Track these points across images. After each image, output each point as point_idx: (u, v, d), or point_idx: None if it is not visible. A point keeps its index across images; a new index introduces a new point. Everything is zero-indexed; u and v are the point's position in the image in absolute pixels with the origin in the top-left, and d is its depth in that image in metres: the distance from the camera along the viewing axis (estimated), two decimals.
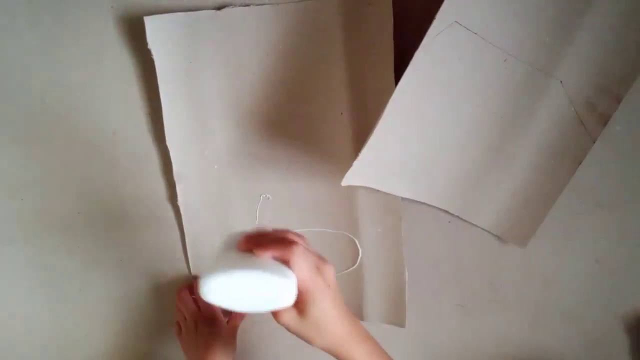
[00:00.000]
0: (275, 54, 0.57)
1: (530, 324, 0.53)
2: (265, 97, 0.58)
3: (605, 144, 0.57)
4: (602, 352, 0.63)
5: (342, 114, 0.58)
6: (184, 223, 0.62)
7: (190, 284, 0.63)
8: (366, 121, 0.58)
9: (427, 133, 0.54)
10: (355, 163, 0.52)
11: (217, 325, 0.59)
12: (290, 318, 0.39)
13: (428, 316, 0.64)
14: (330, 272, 0.41)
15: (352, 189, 0.60)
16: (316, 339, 0.40)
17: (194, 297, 0.62)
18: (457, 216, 0.60)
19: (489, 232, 0.60)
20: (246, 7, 0.56)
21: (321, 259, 0.41)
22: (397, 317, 0.63)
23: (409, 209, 0.61)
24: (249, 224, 0.62)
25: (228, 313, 0.62)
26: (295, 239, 0.41)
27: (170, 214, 0.62)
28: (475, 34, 0.50)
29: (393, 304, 0.63)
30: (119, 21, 0.57)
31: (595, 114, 0.54)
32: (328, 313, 0.40)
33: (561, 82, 0.53)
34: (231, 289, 0.37)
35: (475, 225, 0.61)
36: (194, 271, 0.63)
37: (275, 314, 0.39)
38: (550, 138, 0.55)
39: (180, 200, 0.61)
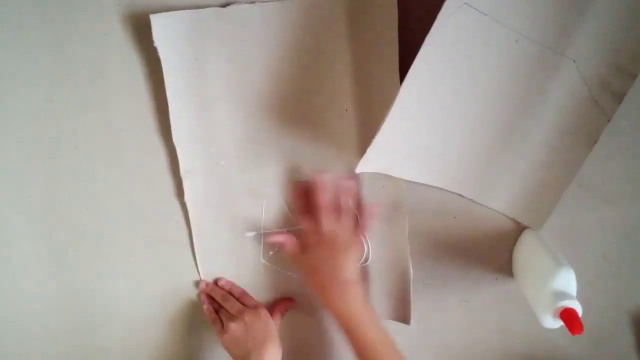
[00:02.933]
0: (281, 50, 0.57)
1: (535, 320, 0.53)
2: (271, 93, 0.58)
3: (612, 139, 0.57)
4: (608, 347, 0.64)
5: (346, 110, 0.58)
6: (190, 219, 0.62)
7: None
8: (370, 118, 0.58)
9: (439, 117, 0.54)
10: (369, 150, 0.52)
11: (266, 320, 0.59)
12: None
13: (433, 312, 0.65)
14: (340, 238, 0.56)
15: (358, 186, 0.60)
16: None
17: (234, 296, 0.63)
18: (472, 200, 0.60)
19: (504, 215, 0.60)
20: (251, 4, 0.56)
21: None
22: (402, 314, 0.63)
23: (414, 205, 0.61)
24: (255, 220, 0.62)
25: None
26: None
27: (178, 210, 0.62)
28: (486, 15, 0.50)
29: (398, 301, 0.63)
30: (125, 19, 0.57)
31: (609, 93, 0.54)
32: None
33: (574, 61, 0.52)
34: None
35: (480, 220, 0.61)
36: (201, 268, 0.64)
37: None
38: (564, 118, 0.55)
39: (187, 197, 0.61)
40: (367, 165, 0.54)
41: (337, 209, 0.58)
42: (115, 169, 0.61)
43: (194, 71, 0.58)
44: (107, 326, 0.66)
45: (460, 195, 0.59)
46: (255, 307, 0.60)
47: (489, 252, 0.63)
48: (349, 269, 0.56)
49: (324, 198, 0.57)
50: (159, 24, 0.56)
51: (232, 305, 0.61)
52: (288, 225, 0.62)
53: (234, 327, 0.58)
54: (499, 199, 0.60)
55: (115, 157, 0.61)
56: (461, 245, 0.63)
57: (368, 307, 0.55)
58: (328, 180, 0.58)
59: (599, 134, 0.56)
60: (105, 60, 0.58)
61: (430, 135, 0.55)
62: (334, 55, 0.56)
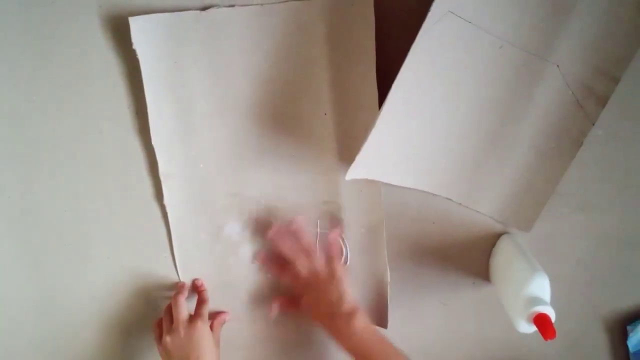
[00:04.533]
0: (260, 54, 0.57)
1: (512, 324, 0.54)
2: (250, 96, 0.58)
3: (587, 147, 0.57)
4: (582, 353, 0.64)
5: (325, 114, 0.59)
6: (170, 222, 0.62)
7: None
8: (349, 121, 0.58)
9: (426, 123, 0.55)
10: (358, 157, 0.52)
11: (201, 334, 0.58)
12: None
13: (411, 315, 0.65)
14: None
15: (336, 190, 0.60)
16: None
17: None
18: (461, 204, 0.60)
19: (492, 218, 0.61)
20: (231, 8, 0.56)
21: None
22: (379, 318, 0.64)
23: (394, 210, 0.61)
24: (235, 224, 0.62)
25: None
26: None
27: (157, 212, 0.62)
28: (470, 22, 0.50)
29: (376, 305, 0.63)
30: (106, 20, 0.57)
31: (593, 96, 0.55)
32: None
33: (557, 66, 0.53)
34: None
35: (458, 226, 0.62)
36: (181, 270, 0.64)
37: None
38: (550, 122, 0.56)
39: (167, 200, 0.61)
40: (356, 172, 0.54)
41: (304, 250, 0.60)
42: (96, 170, 0.61)
43: (173, 74, 0.58)
44: (86, 329, 0.65)
45: (449, 199, 0.60)
46: (195, 319, 0.59)
47: (467, 257, 0.63)
48: (343, 298, 0.57)
49: (286, 248, 0.60)
50: (137, 26, 0.56)
51: (175, 315, 0.59)
52: (267, 225, 0.62)
53: (167, 340, 0.57)
54: (487, 203, 0.60)
55: (96, 158, 0.61)
56: (439, 251, 0.63)
57: (373, 329, 0.57)
58: (281, 230, 0.61)
59: (583, 138, 0.56)
60: (86, 61, 0.58)
61: (419, 141, 0.56)
62: (313, 59, 0.57)
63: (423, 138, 0.56)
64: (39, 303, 0.64)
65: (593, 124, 0.56)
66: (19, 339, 0.65)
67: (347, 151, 0.59)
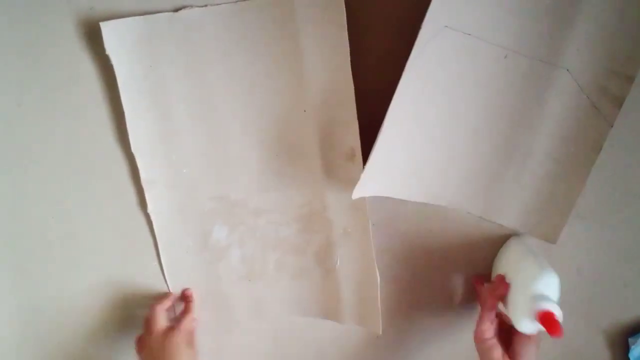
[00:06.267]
0: (236, 52, 0.55)
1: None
2: (229, 97, 0.57)
3: None
4: None
5: (305, 111, 0.57)
6: (155, 230, 0.61)
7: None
8: (328, 117, 0.56)
9: (433, 136, 0.54)
10: (363, 175, 0.51)
11: (168, 345, 0.57)
12: None
13: (405, 324, 0.64)
14: None
15: (321, 189, 0.59)
16: None
17: None
18: (481, 217, 0.59)
19: (515, 230, 0.60)
20: (204, 8, 0.54)
21: None
22: (371, 321, 0.62)
23: (386, 217, 0.60)
24: (222, 227, 0.61)
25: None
26: None
27: (143, 220, 0.61)
28: (469, 35, 0.49)
29: (367, 307, 0.62)
30: (79, 27, 0.56)
31: (608, 97, 0.53)
32: None
33: (568, 70, 0.52)
34: None
35: (454, 233, 0.60)
36: (169, 279, 0.63)
37: None
38: (566, 128, 0.54)
39: (150, 208, 0.60)
40: (363, 190, 0.53)
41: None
42: (84, 176, 0.61)
43: (149, 78, 0.56)
44: (71, 339, 0.65)
45: (468, 212, 0.58)
46: (170, 331, 0.58)
47: (468, 261, 0.62)
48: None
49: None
50: (109, 31, 0.54)
51: (151, 326, 0.58)
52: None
53: (142, 353, 0.58)
54: (508, 215, 0.59)
55: (84, 164, 0.60)
56: (435, 258, 0.61)
57: None
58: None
59: (603, 141, 0.55)
60: (75, 65, 0.57)
61: (427, 155, 0.55)
62: (288, 54, 0.55)
63: (432, 152, 0.55)
64: (23, 311, 0.64)
65: (611, 126, 0.54)
66: (2, 347, 0.65)
67: (330, 149, 0.57)
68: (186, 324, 0.60)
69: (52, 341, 0.65)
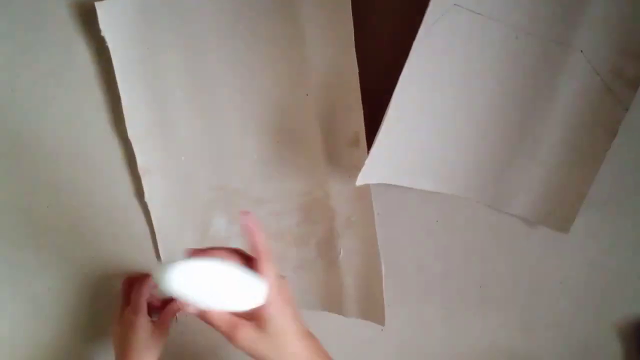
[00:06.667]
0: (236, 35, 0.54)
1: (519, 330, 0.52)
2: (229, 81, 0.55)
3: None
4: (594, 359, 0.61)
5: (306, 95, 0.55)
6: (152, 219, 0.60)
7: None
8: (331, 101, 0.55)
9: (441, 121, 0.53)
10: (367, 161, 0.50)
11: (136, 330, 0.54)
12: (248, 334, 0.39)
13: (413, 319, 0.62)
14: (288, 287, 0.42)
15: (323, 177, 0.57)
16: (273, 355, 0.39)
17: None
18: (489, 206, 0.58)
19: (525, 219, 0.58)
20: None
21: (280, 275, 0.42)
22: (375, 314, 0.61)
23: (394, 208, 0.58)
24: (221, 218, 0.60)
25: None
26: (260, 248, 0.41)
27: (139, 208, 0.60)
28: (479, 14, 0.48)
29: (370, 299, 0.60)
30: (73, 8, 0.55)
31: (623, 80, 0.51)
32: (288, 329, 0.40)
33: (581, 51, 0.50)
34: (197, 280, 0.37)
35: (462, 222, 0.58)
36: None
37: (231, 335, 0.39)
38: (579, 112, 0.53)
39: (147, 196, 0.59)
40: (367, 177, 0.51)
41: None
42: (79, 163, 0.59)
43: (146, 61, 0.55)
44: (68, 331, 0.65)
45: (477, 201, 0.57)
46: (138, 313, 0.55)
47: (471, 258, 0.60)
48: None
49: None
50: (105, 12, 0.53)
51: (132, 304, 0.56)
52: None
53: (113, 329, 0.57)
54: (519, 204, 0.57)
55: (79, 151, 0.59)
56: (443, 251, 0.60)
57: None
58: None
59: (617, 126, 0.53)
60: (69, 49, 0.56)
61: (434, 141, 0.53)
62: (291, 38, 0.53)
63: (439, 138, 0.53)
64: (19, 303, 0.64)
65: (627, 110, 0.52)
66: None
67: (333, 135, 0.55)
68: (167, 317, 0.57)
69: (46, 332, 0.65)
